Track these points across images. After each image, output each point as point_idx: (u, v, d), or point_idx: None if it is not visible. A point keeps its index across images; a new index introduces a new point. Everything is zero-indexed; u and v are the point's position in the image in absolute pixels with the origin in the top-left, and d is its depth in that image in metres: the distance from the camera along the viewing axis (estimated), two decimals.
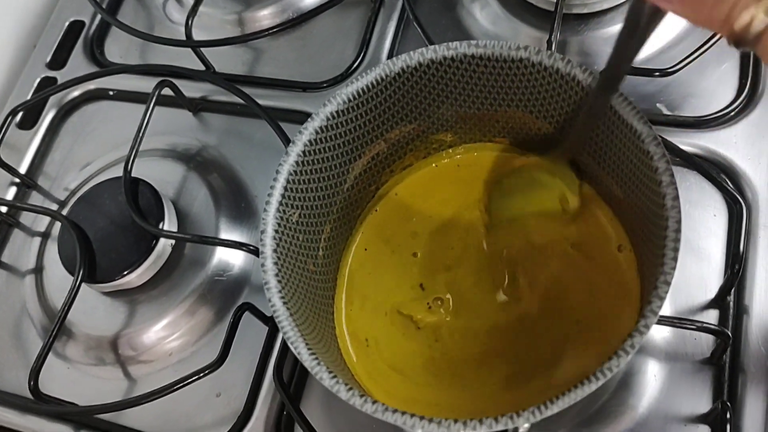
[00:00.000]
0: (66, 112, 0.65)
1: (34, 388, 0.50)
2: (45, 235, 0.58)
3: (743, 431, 0.43)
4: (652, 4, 0.29)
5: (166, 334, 0.52)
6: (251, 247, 0.50)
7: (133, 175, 0.54)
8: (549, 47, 0.51)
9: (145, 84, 0.61)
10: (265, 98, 0.58)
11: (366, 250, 0.45)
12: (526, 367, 0.40)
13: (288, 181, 0.38)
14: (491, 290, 0.42)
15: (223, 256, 0.54)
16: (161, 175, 0.57)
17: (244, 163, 0.58)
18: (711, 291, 0.47)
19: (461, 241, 0.44)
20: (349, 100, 0.39)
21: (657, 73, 0.51)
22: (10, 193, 0.62)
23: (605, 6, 0.54)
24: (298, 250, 0.39)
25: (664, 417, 0.44)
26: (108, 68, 0.64)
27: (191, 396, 0.50)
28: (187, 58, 0.61)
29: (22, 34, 0.71)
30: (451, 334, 0.42)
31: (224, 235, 0.54)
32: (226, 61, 0.62)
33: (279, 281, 0.35)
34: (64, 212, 0.55)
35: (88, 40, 0.68)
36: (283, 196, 0.37)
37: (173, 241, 0.54)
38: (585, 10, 0.55)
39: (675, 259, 0.32)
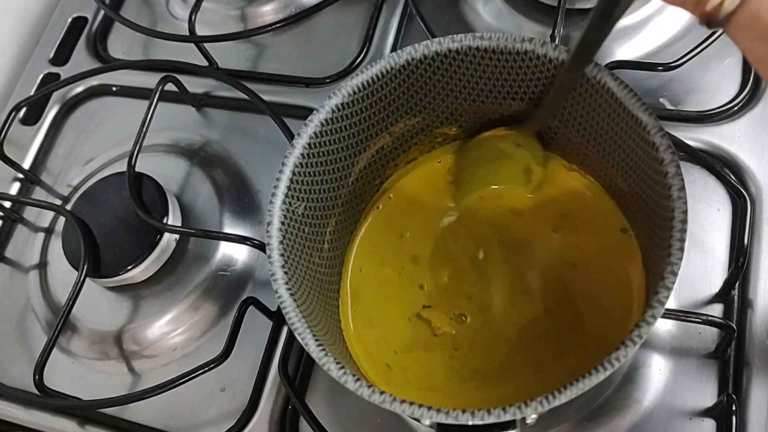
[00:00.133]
0: (69, 107, 0.65)
1: (39, 382, 0.50)
2: (49, 231, 0.58)
3: (748, 424, 0.43)
4: None
5: (170, 329, 0.52)
6: (255, 242, 0.50)
7: (136, 170, 0.54)
8: (552, 42, 0.51)
9: (148, 80, 0.61)
10: (268, 94, 0.58)
11: (369, 247, 0.45)
12: (537, 362, 0.40)
13: (294, 173, 0.38)
14: (503, 289, 0.42)
15: (227, 251, 0.54)
16: (165, 170, 0.57)
17: (247, 159, 0.58)
18: (715, 285, 0.47)
19: (466, 242, 0.44)
20: (354, 93, 0.39)
21: (660, 68, 0.51)
22: (14, 189, 0.62)
23: None
24: (303, 242, 0.39)
25: (669, 410, 0.45)
26: (111, 64, 0.64)
27: (196, 390, 0.50)
28: (190, 54, 0.62)
29: (25, 30, 0.71)
30: (466, 335, 0.42)
31: (228, 230, 0.54)
32: (228, 56, 0.62)
33: (285, 273, 0.35)
34: (68, 207, 0.55)
35: (91, 36, 0.68)
36: (288, 188, 0.37)
37: (177, 236, 0.54)
38: (588, 5, 0.55)
39: (682, 249, 0.32)
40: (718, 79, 0.53)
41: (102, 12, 0.68)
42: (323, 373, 0.49)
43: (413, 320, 0.43)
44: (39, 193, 0.62)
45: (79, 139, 0.63)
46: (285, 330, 0.51)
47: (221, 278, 0.53)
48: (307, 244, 0.39)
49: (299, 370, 0.50)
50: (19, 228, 0.61)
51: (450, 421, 0.31)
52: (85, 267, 0.51)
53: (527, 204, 0.44)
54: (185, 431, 0.50)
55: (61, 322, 0.51)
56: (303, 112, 0.57)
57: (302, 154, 0.38)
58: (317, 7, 0.62)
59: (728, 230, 0.48)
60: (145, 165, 0.55)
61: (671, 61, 0.51)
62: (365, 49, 0.60)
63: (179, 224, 0.54)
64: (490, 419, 0.30)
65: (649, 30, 0.54)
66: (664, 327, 0.46)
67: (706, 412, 0.44)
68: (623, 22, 0.55)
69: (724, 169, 0.49)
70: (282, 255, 0.36)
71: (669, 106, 0.52)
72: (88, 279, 0.51)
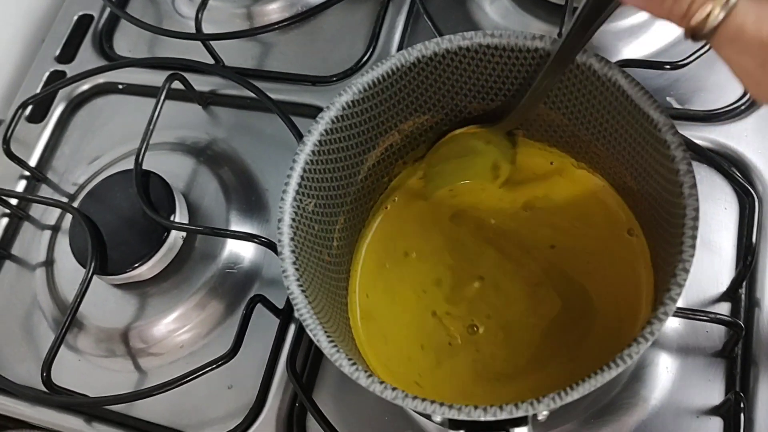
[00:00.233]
0: (75, 105, 0.65)
1: (47, 379, 0.50)
2: (55, 228, 0.58)
3: (756, 423, 0.43)
4: None
5: (177, 326, 0.52)
6: (263, 239, 0.50)
7: (143, 168, 0.54)
8: None
9: (155, 78, 0.61)
10: (275, 92, 0.58)
11: (378, 243, 0.45)
12: (550, 359, 0.40)
13: (304, 171, 0.38)
14: (514, 288, 0.43)
15: (233, 249, 0.54)
16: (171, 168, 0.57)
17: (254, 157, 0.58)
18: (722, 284, 0.47)
19: (475, 243, 0.44)
20: (365, 90, 0.39)
21: (667, 66, 0.51)
22: (20, 186, 0.62)
23: None
24: (313, 239, 0.39)
25: (676, 409, 0.45)
26: (117, 62, 0.64)
27: (202, 388, 0.50)
28: (195, 52, 0.62)
29: (31, 28, 0.71)
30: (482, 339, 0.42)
31: (235, 228, 0.54)
32: (234, 55, 0.62)
33: (297, 269, 0.35)
34: (75, 205, 0.55)
35: (96, 33, 0.68)
36: (299, 185, 0.37)
37: (184, 234, 0.54)
38: None
39: (693, 246, 0.32)
40: (725, 78, 0.52)
41: (108, 10, 0.68)
42: (330, 372, 0.50)
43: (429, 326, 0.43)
44: (45, 191, 0.62)
45: (85, 137, 0.64)
46: (292, 328, 0.51)
47: (228, 276, 0.53)
48: (316, 241, 0.39)
49: (306, 369, 0.50)
50: (25, 226, 0.61)
51: (462, 417, 0.31)
52: (93, 264, 0.51)
53: (535, 203, 0.45)
54: (192, 429, 0.50)
55: (69, 319, 0.51)
56: (309, 111, 0.58)
57: (313, 151, 0.38)
58: (324, 5, 0.62)
59: (735, 229, 0.48)
60: (151, 163, 0.55)
61: (678, 59, 0.51)
62: (372, 48, 0.60)
63: (186, 222, 0.54)
64: (503, 415, 0.30)
65: (656, 29, 0.55)
66: (671, 325, 0.46)
67: (714, 411, 0.44)
68: (630, 20, 0.55)
69: (732, 168, 0.49)
70: (293, 252, 0.36)
71: (676, 105, 0.52)
72: (94, 276, 0.51)
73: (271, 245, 0.50)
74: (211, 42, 0.61)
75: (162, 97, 0.56)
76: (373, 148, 0.42)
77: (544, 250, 0.43)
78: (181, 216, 0.53)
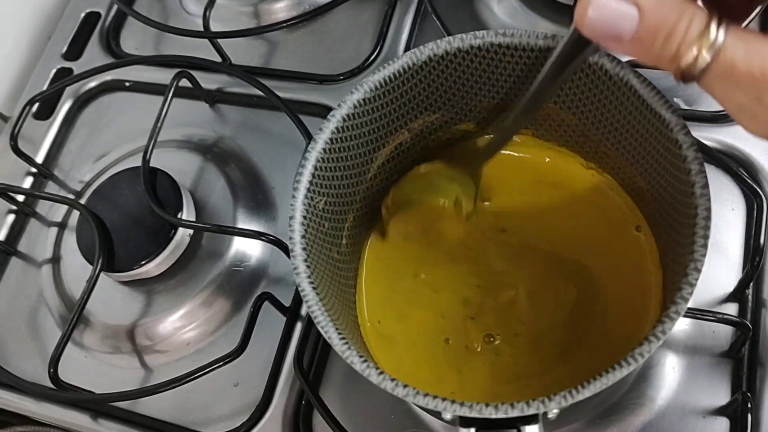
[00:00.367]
0: (82, 103, 0.65)
1: (54, 375, 0.50)
2: (62, 225, 0.58)
3: (763, 423, 0.43)
4: (597, 45, 0.30)
5: (183, 324, 0.53)
6: (270, 237, 0.50)
7: (150, 165, 0.54)
8: None
9: (162, 75, 0.61)
10: (282, 90, 0.58)
11: (385, 244, 0.46)
12: (559, 358, 0.40)
13: (315, 168, 0.38)
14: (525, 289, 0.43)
15: (240, 247, 0.54)
16: (178, 165, 0.57)
17: (261, 155, 0.58)
18: (730, 285, 0.47)
19: (483, 244, 0.44)
20: (376, 88, 0.39)
21: None
22: (27, 183, 0.62)
23: None
24: (323, 237, 0.39)
25: (683, 409, 0.45)
26: (125, 59, 0.64)
27: (209, 386, 0.50)
28: (201, 50, 0.62)
29: (38, 25, 0.71)
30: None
31: (242, 226, 0.54)
32: (241, 53, 0.63)
33: (308, 266, 0.35)
34: (82, 201, 0.55)
35: (103, 31, 0.68)
36: (310, 182, 0.37)
37: (191, 231, 0.54)
38: None
39: (705, 246, 0.32)
40: None
41: (115, 7, 0.68)
42: (336, 371, 0.50)
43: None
44: (51, 188, 0.62)
45: (92, 135, 0.64)
46: (299, 326, 0.51)
47: (235, 274, 0.53)
48: (326, 239, 0.39)
49: (312, 367, 0.50)
50: (32, 222, 0.61)
51: (474, 414, 0.31)
52: (100, 261, 0.51)
53: (543, 204, 0.45)
54: (198, 426, 0.50)
55: (77, 316, 0.51)
56: (316, 109, 0.58)
57: (324, 149, 0.38)
58: (331, 4, 0.62)
59: (743, 230, 0.48)
60: (158, 160, 0.55)
61: None
62: (379, 47, 0.60)
63: (193, 220, 0.54)
64: (514, 413, 0.30)
65: None
66: (678, 326, 0.46)
67: (720, 411, 0.44)
68: None
69: (739, 168, 0.50)
70: (304, 249, 0.36)
71: (684, 106, 0.52)
72: (101, 273, 0.51)
73: (278, 243, 0.50)
74: (218, 40, 0.61)
75: (170, 95, 0.56)
76: (383, 147, 0.42)
77: (550, 244, 0.43)
78: (188, 213, 0.53)
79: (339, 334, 0.34)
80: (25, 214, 0.61)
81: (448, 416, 0.33)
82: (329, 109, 0.53)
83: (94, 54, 0.66)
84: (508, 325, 0.41)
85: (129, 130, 0.62)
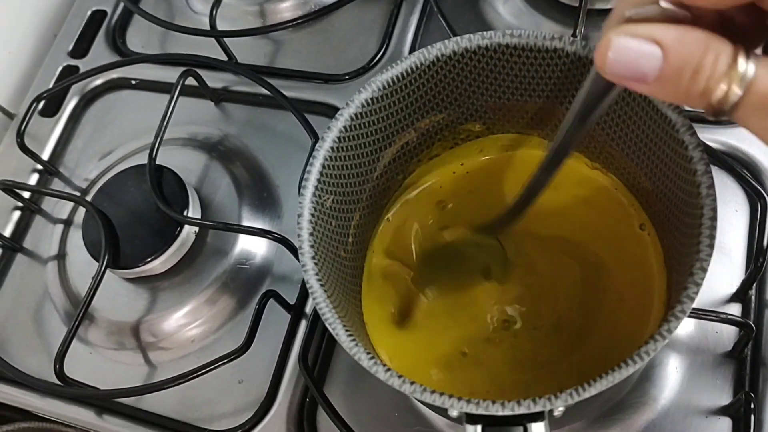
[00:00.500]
0: (88, 100, 0.65)
1: (60, 371, 0.50)
2: (67, 222, 0.59)
3: (765, 423, 0.43)
4: (623, 86, 0.28)
5: (188, 321, 0.53)
6: (276, 235, 0.50)
7: (156, 162, 0.54)
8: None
9: (168, 74, 0.61)
10: (287, 89, 0.58)
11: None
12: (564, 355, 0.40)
13: (323, 166, 0.38)
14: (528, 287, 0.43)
15: (245, 244, 0.54)
16: (184, 163, 0.57)
17: (266, 154, 0.58)
18: (733, 285, 0.47)
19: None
20: (384, 88, 0.39)
21: None
22: (33, 180, 0.62)
23: None
24: (331, 235, 0.39)
25: (686, 409, 0.45)
26: (132, 57, 0.65)
27: (213, 383, 0.50)
28: (207, 49, 0.62)
29: (44, 23, 0.71)
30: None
31: (247, 224, 0.55)
32: (247, 52, 0.63)
33: (316, 264, 0.35)
34: (88, 198, 0.55)
35: (110, 29, 0.68)
36: (318, 180, 0.38)
37: (197, 229, 0.54)
38: (608, 6, 0.55)
39: (711, 246, 0.32)
40: None
41: (121, 5, 0.68)
42: (340, 368, 0.50)
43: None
44: (57, 185, 0.62)
45: (97, 132, 0.64)
46: (303, 323, 0.51)
47: (240, 272, 0.53)
48: (333, 237, 0.39)
49: (317, 365, 0.50)
50: (37, 219, 0.61)
51: (480, 411, 0.31)
52: (106, 258, 0.51)
53: (547, 205, 0.45)
54: (202, 423, 0.50)
55: (82, 312, 0.51)
56: (321, 108, 0.58)
57: (332, 148, 0.38)
58: (337, 4, 0.62)
59: (746, 231, 0.49)
60: (163, 158, 0.55)
61: None
62: (384, 47, 0.60)
63: (199, 217, 0.54)
64: (521, 410, 0.30)
65: None
66: (681, 326, 0.45)
67: (723, 411, 0.44)
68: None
69: (743, 170, 0.50)
70: (312, 246, 0.36)
71: (687, 107, 0.52)
72: (107, 270, 0.52)
73: (283, 241, 0.50)
74: (224, 39, 0.61)
75: (176, 93, 0.56)
76: (389, 146, 0.43)
77: (554, 244, 0.44)
78: (193, 211, 0.53)
79: (346, 330, 0.34)
80: (30, 210, 0.61)
81: (454, 413, 0.33)
82: (334, 108, 0.53)
83: (100, 52, 0.67)
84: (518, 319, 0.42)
85: (134, 128, 0.62)
